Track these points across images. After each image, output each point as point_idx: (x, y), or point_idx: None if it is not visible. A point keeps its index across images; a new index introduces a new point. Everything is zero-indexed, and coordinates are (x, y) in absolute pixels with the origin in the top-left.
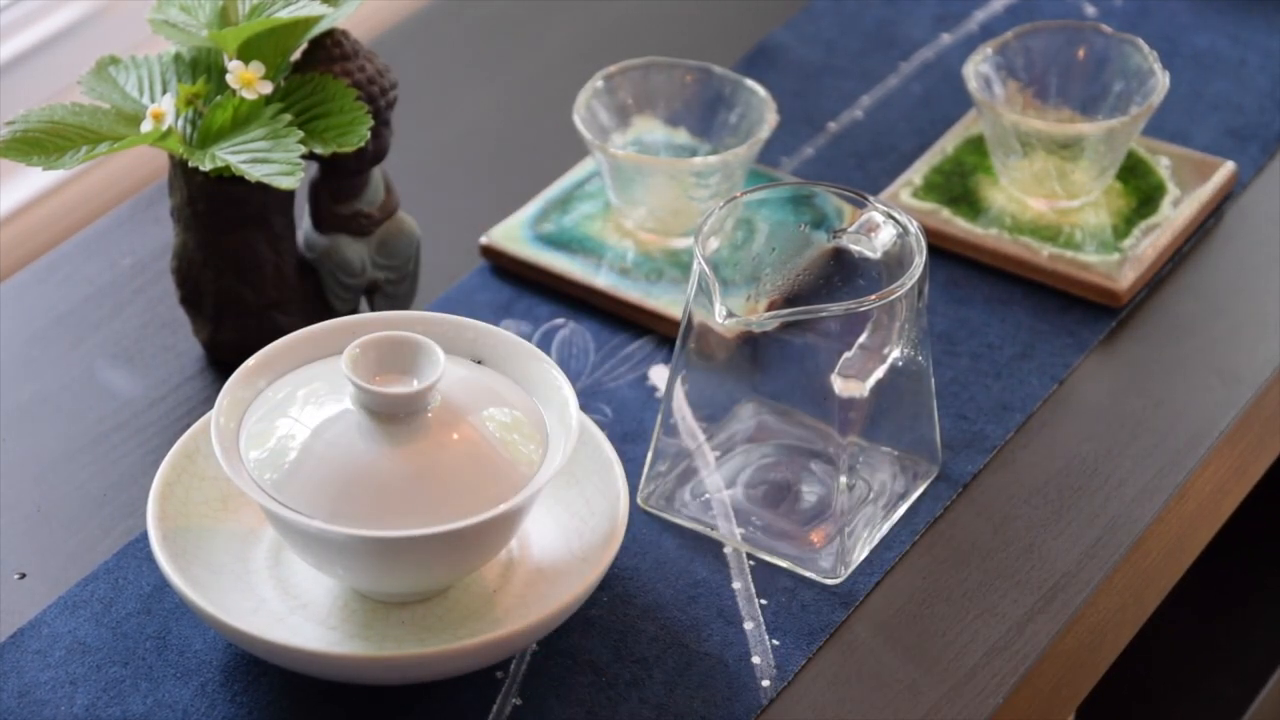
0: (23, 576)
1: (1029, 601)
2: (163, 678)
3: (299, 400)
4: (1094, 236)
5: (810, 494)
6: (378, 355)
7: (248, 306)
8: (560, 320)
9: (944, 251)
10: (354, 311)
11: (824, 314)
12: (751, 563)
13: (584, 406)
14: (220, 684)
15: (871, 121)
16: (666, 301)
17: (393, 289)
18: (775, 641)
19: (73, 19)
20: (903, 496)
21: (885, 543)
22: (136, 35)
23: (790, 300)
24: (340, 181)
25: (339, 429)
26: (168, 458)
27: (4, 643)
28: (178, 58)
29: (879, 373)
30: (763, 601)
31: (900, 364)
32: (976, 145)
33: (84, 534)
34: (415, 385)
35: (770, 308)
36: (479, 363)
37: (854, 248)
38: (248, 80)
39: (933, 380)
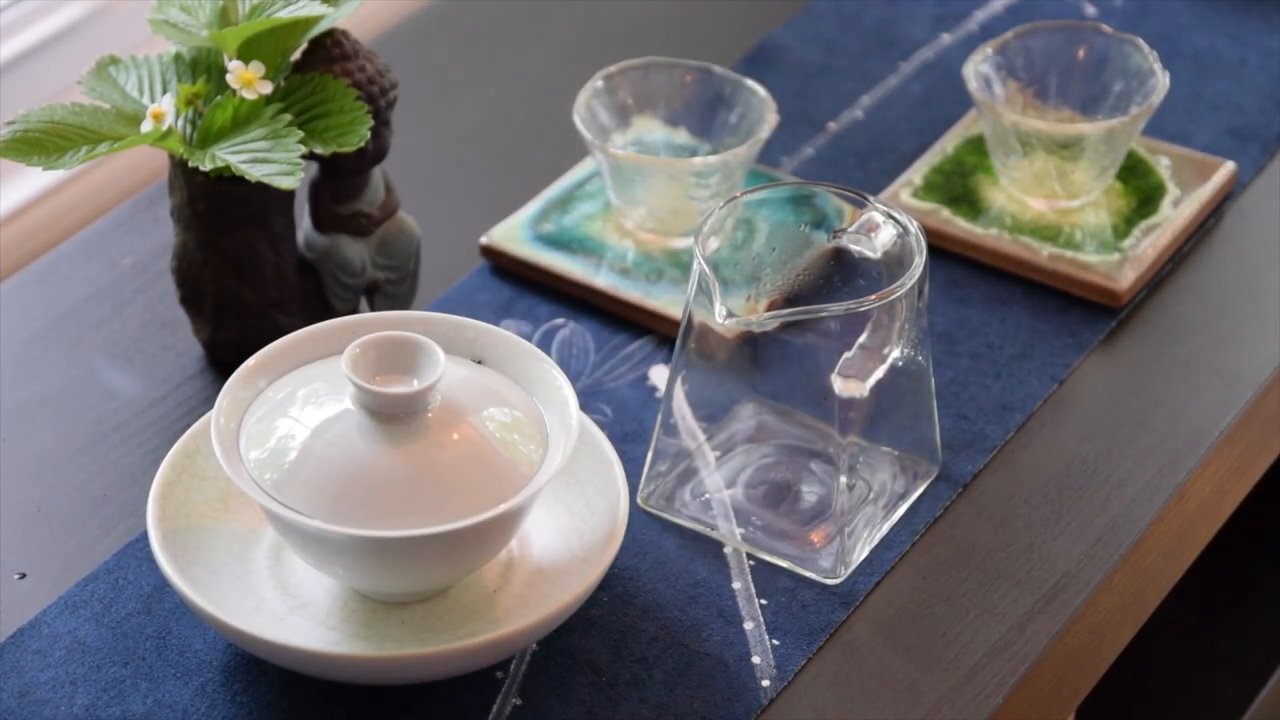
0: (23, 576)
1: (1029, 601)
2: (163, 678)
3: (299, 400)
4: (1094, 236)
5: (810, 494)
6: (378, 355)
7: (248, 306)
8: (560, 320)
9: (944, 251)
10: (354, 311)
11: (824, 314)
12: (751, 563)
13: (584, 406)
14: (220, 684)
15: (871, 121)
16: (666, 301)
17: (393, 289)
18: (775, 641)
19: (73, 19)
20: (903, 496)
21: (885, 543)
22: (136, 35)
23: (790, 300)
24: (340, 181)
25: (339, 429)
26: (168, 458)
27: (4, 643)
28: (178, 58)
29: (879, 373)
30: (763, 601)
31: (900, 364)
32: (976, 145)
33: (84, 534)
34: (415, 385)
35: (770, 308)
36: (479, 363)
37: (854, 248)
38: (248, 80)
39: (933, 380)
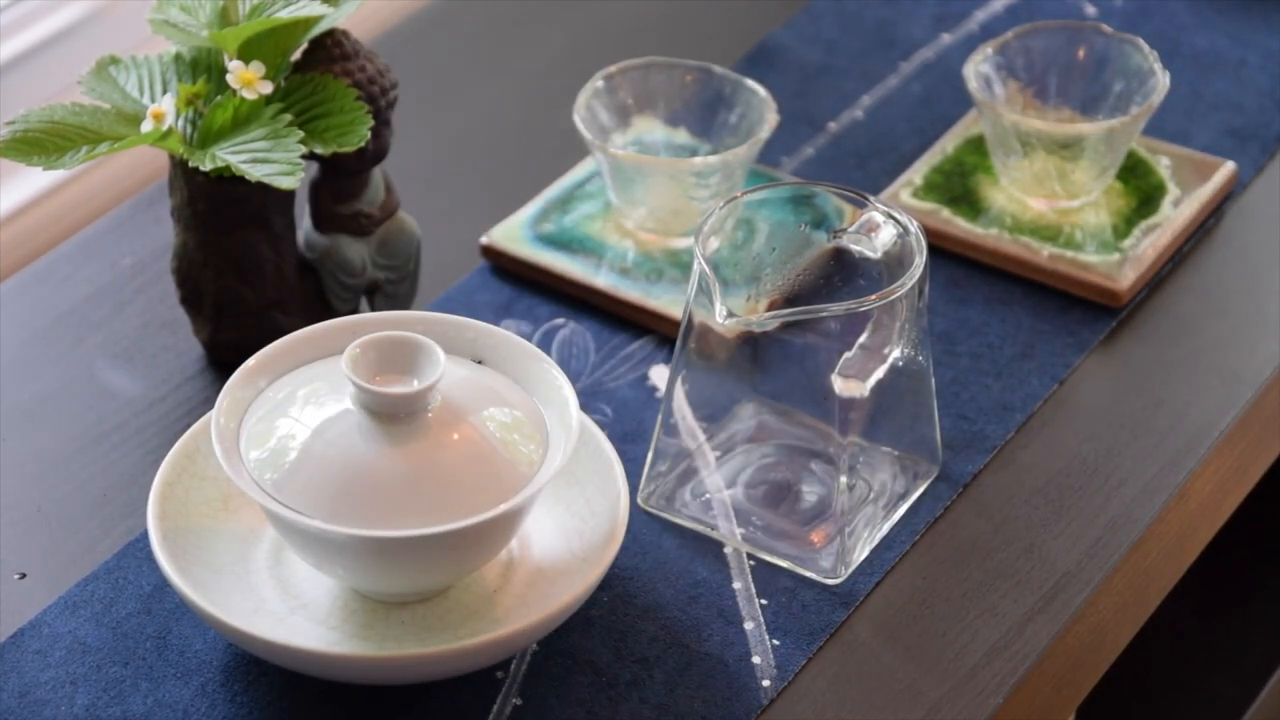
0: (23, 576)
1: (1029, 601)
2: (163, 678)
3: (299, 400)
4: (1094, 236)
5: (810, 494)
6: (378, 355)
7: (248, 306)
8: (560, 320)
9: (944, 251)
10: (354, 311)
11: (824, 314)
12: (752, 563)
13: (584, 406)
14: (220, 684)
15: (871, 121)
16: (667, 301)
17: (393, 289)
18: (775, 641)
19: (73, 19)
20: (903, 496)
21: (886, 543)
22: (137, 35)
23: (790, 300)
24: (340, 181)
25: (339, 429)
26: (168, 458)
27: (4, 643)
28: (178, 58)
29: (879, 373)
30: (763, 601)
31: (900, 364)
32: (977, 145)
33: (84, 534)
34: (415, 385)
35: (770, 308)
36: (479, 363)
37: (854, 248)
38: (248, 80)
39: (933, 380)
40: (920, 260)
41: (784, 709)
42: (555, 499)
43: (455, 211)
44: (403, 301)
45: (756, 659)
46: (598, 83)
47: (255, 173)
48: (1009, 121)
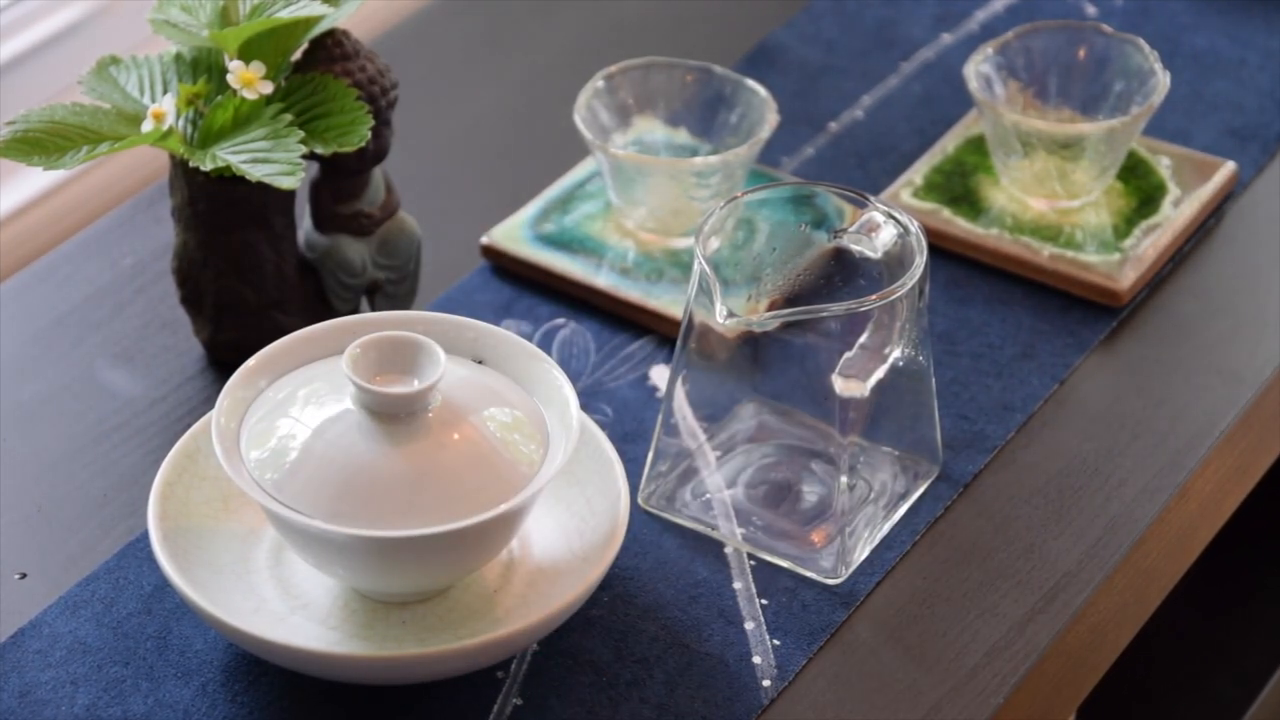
0: (23, 576)
1: (1030, 601)
2: (164, 678)
3: (299, 400)
4: (1095, 236)
5: (811, 494)
6: (378, 355)
7: (248, 306)
8: (561, 320)
9: (945, 251)
10: (355, 311)
11: (825, 314)
12: (752, 563)
13: (585, 406)
14: (221, 684)
15: (872, 121)
16: (667, 301)
17: (393, 289)
18: (776, 641)
19: (73, 19)
20: (903, 496)
21: (886, 543)
22: (137, 35)
23: (791, 300)
24: (341, 181)
25: (340, 429)
26: (168, 458)
27: (5, 643)
28: (178, 58)
29: (880, 373)
30: (763, 601)
31: (901, 364)
32: (977, 145)
33: (84, 534)
34: (416, 385)
35: (771, 307)
36: (480, 363)
37: (855, 247)
38: (248, 80)
39: (933, 380)
40: (921, 260)
41: (784, 709)
42: (556, 499)
43: (455, 211)
44: (403, 301)
45: (757, 659)
46: (598, 83)
47: (256, 173)
48: (1009, 121)
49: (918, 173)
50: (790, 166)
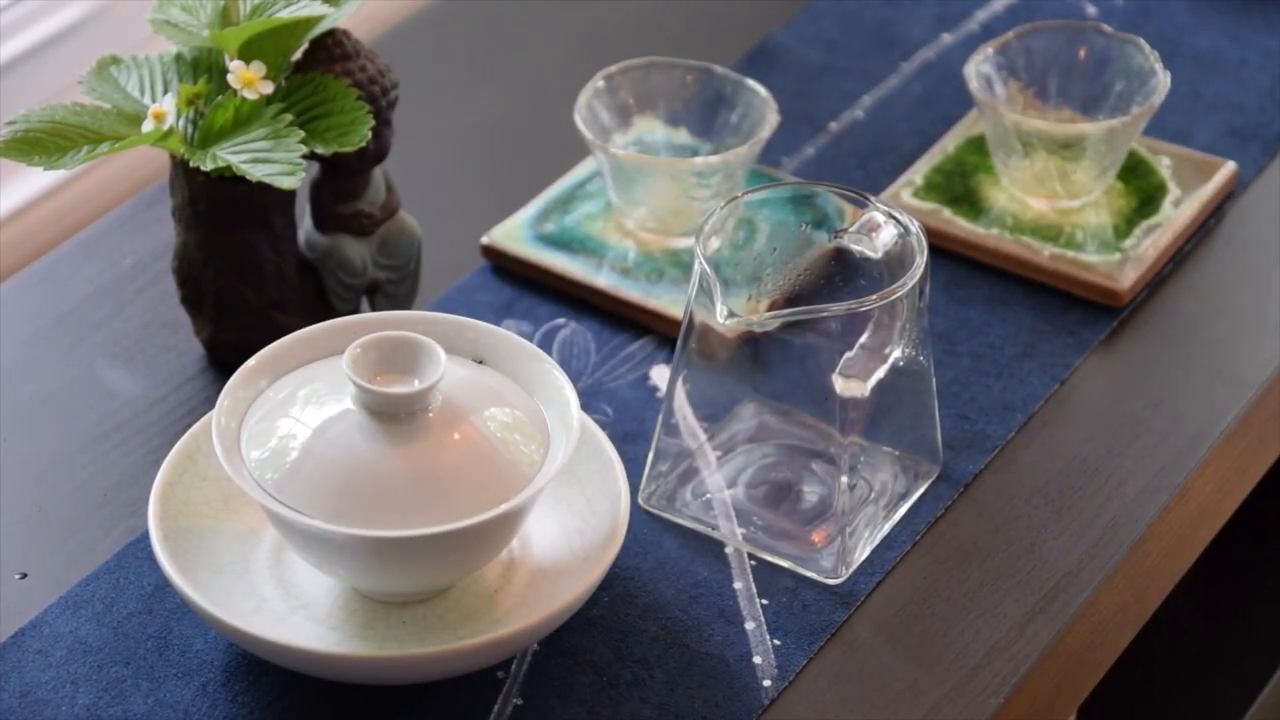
0: (23, 576)
1: (1030, 601)
2: (164, 678)
3: (300, 400)
4: (1095, 236)
5: (811, 494)
6: (379, 355)
7: (249, 306)
8: (561, 320)
9: (945, 251)
10: (355, 311)
11: (825, 314)
12: (753, 563)
13: (585, 406)
14: (221, 684)
15: (872, 121)
16: (667, 301)
17: (394, 289)
18: (776, 641)
19: (73, 19)
20: (904, 496)
21: (886, 543)
22: (137, 35)
23: (791, 300)
24: (341, 181)
25: (340, 429)
26: (169, 458)
27: (5, 643)
28: (179, 57)
29: (880, 373)
30: (764, 601)
31: (901, 364)
32: (977, 145)
33: (84, 534)
34: (416, 385)
35: (771, 307)
36: (480, 363)
37: (855, 247)
38: (249, 80)
39: (934, 380)
40: (921, 260)
41: (785, 709)
42: (556, 499)
43: (456, 211)
44: (403, 301)
45: (757, 659)
46: (598, 83)
47: (256, 173)
48: (1010, 121)
49: (918, 173)
50: (790, 166)
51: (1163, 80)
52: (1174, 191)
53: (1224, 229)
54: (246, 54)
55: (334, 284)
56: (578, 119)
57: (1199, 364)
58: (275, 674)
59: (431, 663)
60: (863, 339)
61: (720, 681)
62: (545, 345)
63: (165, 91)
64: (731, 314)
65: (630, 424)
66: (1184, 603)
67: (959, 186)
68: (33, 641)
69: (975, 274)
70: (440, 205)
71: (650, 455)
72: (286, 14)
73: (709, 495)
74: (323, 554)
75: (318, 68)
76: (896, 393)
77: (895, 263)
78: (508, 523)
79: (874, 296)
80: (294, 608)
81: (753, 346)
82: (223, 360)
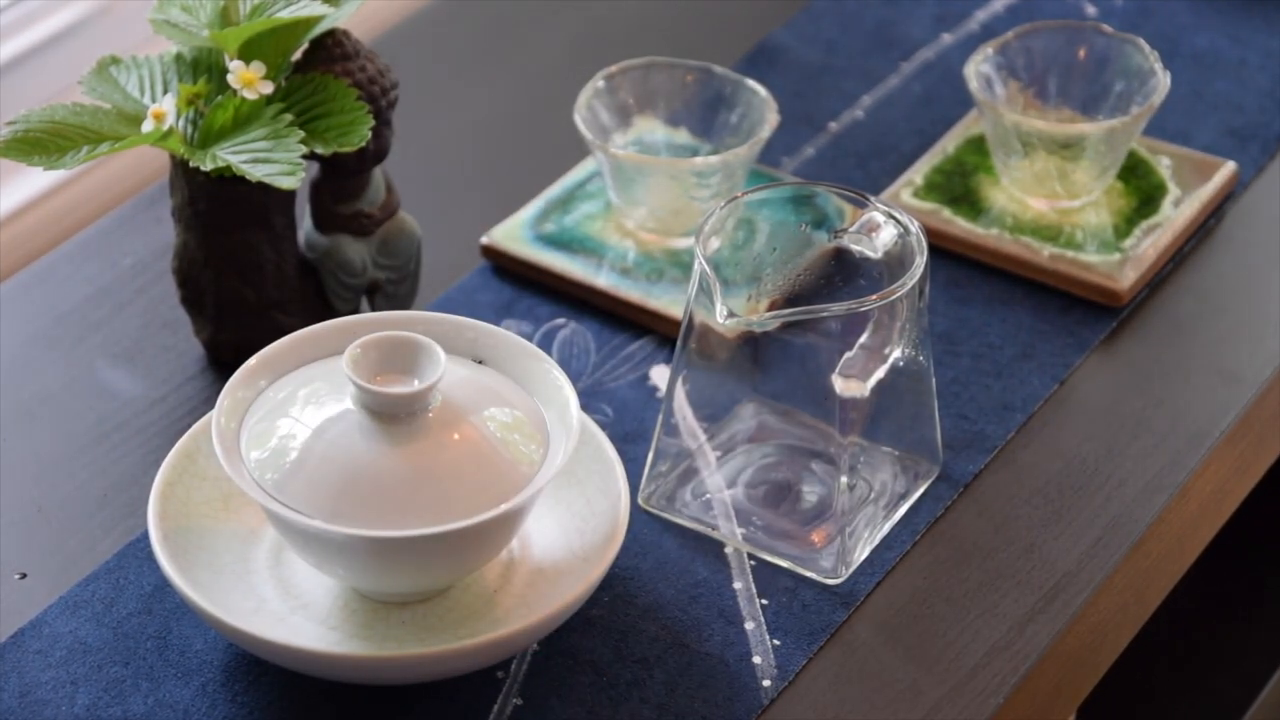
0: (23, 576)
1: (1030, 601)
2: (164, 678)
3: (300, 400)
4: (1095, 236)
5: (811, 494)
6: (378, 355)
7: (249, 306)
8: (561, 320)
9: (945, 251)
10: (355, 311)
11: (825, 314)
12: (752, 563)
13: (585, 406)
14: (221, 684)
15: (872, 121)
16: (667, 301)
17: (393, 289)
18: (776, 641)
19: (73, 19)
20: (903, 496)
21: (886, 543)
22: (137, 35)
23: (791, 300)
24: (341, 181)
25: (340, 429)
26: (168, 458)
27: (5, 643)
28: (179, 58)
29: (880, 373)
30: (764, 601)
31: (901, 364)
32: (977, 145)
33: (84, 534)
34: (416, 385)
35: (771, 308)
36: (480, 363)
37: (855, 248)
38: (249, 80)
39: (934, 380)
40: (921, 260)
41: (784, 709)
42: (556, 499)
43: (455, 211)
44: (403, 301)
45: (757, 659)
46: (598, 83)
47: (256, 173)
48: (1010, 121)
49: (918, 173)
50: (790, 166)
51: (1163, 80)
52: (1174, 191)
53: (1224, 229)
54: (246, 54)
55: (334, 284)
56: (578, 119)
57: (1199, 364)
58: (275, 674)
59: (431, 663)
60: (862, 339)
61: (720, 681)
62: (545, 345)
63: (165, 91)
64: (731, 314)
65: (630, 424)
66: (1184, 603)
67: (959, 186)
68: (32, 641)
69: (975, 274)
70: (440, 205)
71: (650, 455)
72: (286, 14)
73: (709, 495)
74: (322, 554)
75: (318, 68)
76: (896, 393)
77: (895, 263)
78: (507, 523)
79: (874, 296)
80: (293, 608)
81: (752, 346)
82: (223, 360)
